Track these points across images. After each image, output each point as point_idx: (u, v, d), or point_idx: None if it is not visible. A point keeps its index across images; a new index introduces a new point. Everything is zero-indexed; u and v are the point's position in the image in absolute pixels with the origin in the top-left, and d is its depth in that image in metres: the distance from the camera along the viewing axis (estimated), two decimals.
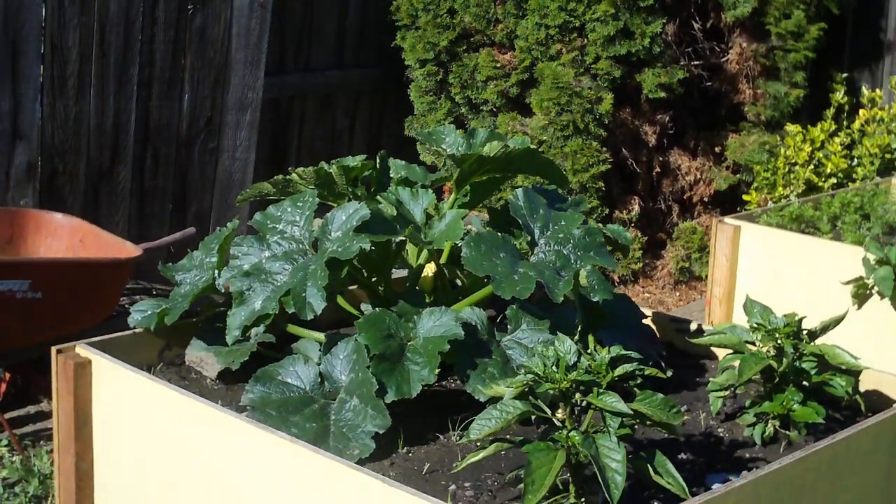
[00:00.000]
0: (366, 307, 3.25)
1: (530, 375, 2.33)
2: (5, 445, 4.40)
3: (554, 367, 2.32)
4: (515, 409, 2.32)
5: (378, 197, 2.95)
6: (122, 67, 5.59)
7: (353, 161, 3.09)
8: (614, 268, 2.90)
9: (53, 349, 2.95)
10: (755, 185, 6.18)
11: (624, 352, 2.37)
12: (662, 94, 5.96)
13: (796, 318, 2.83)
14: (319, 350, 2.97)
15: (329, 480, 2.41)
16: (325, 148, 6.87)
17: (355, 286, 3.27)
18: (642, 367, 2.34)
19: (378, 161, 3.17)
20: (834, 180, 6.02)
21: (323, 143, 6.90)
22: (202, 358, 3.09)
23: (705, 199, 6.37)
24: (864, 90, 6.25)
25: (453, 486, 2.52)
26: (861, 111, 6.14)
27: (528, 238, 2.87)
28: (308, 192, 2.94)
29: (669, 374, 2.62)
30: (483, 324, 2.83)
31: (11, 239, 4.60)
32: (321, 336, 3.08)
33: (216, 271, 3.12)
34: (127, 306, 4.83)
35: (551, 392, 2.31)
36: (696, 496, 2.31)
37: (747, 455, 2.75)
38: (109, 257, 4.24)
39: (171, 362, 3.16)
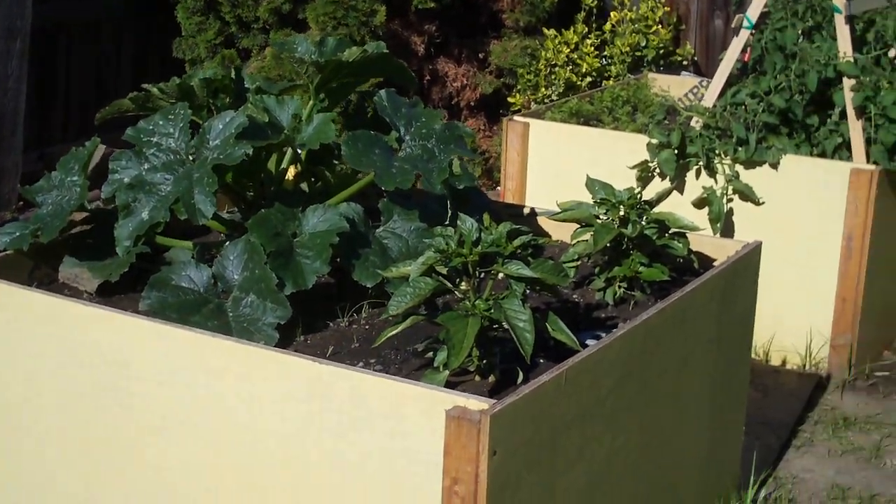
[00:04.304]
0: (221, 213, 3.41)
1: (437, 253, 2.57)
2: None
3: (457, 245, 2.58)
4: (427, 285, 2.57)
5: (248, 104, 3.10)
6: None
7: (212, 73, 3.23)
8: (472, 157, 3.17)
9: None
10: (518, 87, 6.56)
11: (515, 226, 2.65)
12: (432, 5, 6.24)
13: (635, 192, 3.19)
14: (192, 256, 3.12)
15: (252, 366, 2.58)
16: (93, 74, 6.80)
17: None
18: (535, 237, 2.63)
19: (234, 73, 3.31)
20: (590, 79, 6.48)
21: (90, 70, 6.83)
22: (77, 274, 3.18)
23: (472, 104, 6.71)
24: None
25: (361, 364, 2.76)
26: (612, 13, 6.61)
27: (396, 135, 3.10)
28: (179, 105, 3.06)
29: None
30: (360, 217, 3.05)
31: None
32: (189, 244, 3.23)
33: (80, 189, 3.20)
34: None
35: (458, 266, 2.57)
36: (587, 348, 2.63)
37: (603, 315, 3.10)
38: None
39: (42, 281, 3.22)
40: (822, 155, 4.61)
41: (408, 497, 2.44)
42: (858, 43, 4.69)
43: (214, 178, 2.88)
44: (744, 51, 4.80)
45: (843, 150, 4.60)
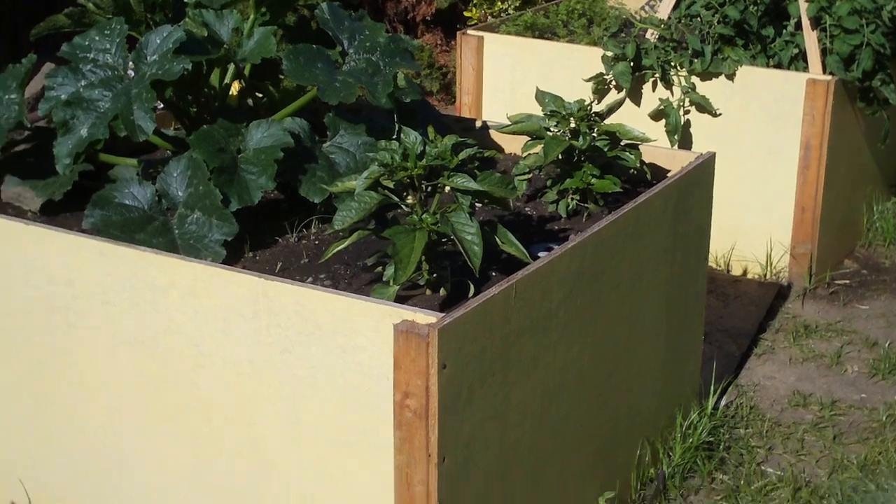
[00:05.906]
0: (167, 131, 3.34)
1: (382, 167, 2.52)
2: None
3: (401, 158, 2.52)
4: (372, 199, 2.52)
5: (186, 19, 3.02)
6: None
7: None
8: (418, 70, 3.10)
9: None
10: (474, 0, 6.47)
11: (461, 139, 2.59)
12: None
13: (585, 103, 3.13)
14: (137, 174, 3.05)
15: (197, 283, 2.54)
16: None
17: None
18: (481, 150, 2.58)
19: None
20: None
21: None
22: (20, 193, 3.11)
23: (428, 19, 6.61)
24: None
25: (310, 279, 2.71)
26: None
27: (339, 49, 3.02)
28: (115, 20, 2.97)
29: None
30: (306, 132, 2.99)
31: None
32: (134, 161, 3.16)
33: (18, 107, 3.11)
34: None
35: (403, 180, 2.52)
36: (538, 260, 2.59)
37: (556, 227, 3.06)
38: None
39: None
40: (779, 66, 4.56)
41: (360, 411, 2.41)
42: None
43: (153, 94, 2.81)
44: None
45: (799, 60, 4.55)
